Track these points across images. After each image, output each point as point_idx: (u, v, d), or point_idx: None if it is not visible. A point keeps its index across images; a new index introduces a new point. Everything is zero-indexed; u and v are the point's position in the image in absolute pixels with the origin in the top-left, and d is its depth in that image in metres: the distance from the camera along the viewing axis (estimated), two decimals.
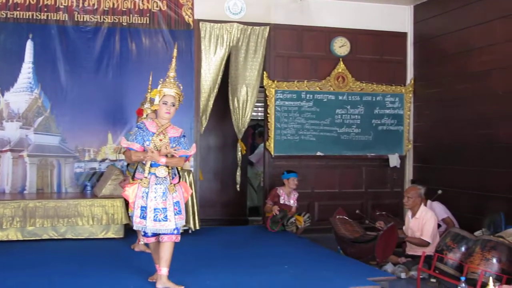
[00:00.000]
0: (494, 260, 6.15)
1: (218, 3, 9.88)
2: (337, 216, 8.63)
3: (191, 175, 8.76)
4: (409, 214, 8.05)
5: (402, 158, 10.77)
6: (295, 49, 10.35)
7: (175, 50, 6.08)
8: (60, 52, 9.30)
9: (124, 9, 9.50)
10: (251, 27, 9.96)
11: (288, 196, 9.49)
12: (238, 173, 10.33)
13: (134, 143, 5.73)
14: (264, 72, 10.11)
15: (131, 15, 9.53)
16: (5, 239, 8.08)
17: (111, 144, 9.43)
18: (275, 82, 10.17)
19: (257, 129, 12.77)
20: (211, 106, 9.89)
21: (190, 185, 8.47)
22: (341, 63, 10.45)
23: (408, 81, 10.81)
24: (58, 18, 9.29)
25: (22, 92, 9.19)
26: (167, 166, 5.75)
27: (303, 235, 9.20)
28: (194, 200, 8.83)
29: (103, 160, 9.43)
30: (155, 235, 5.78)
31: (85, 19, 9.40)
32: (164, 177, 5.74)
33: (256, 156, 12.32)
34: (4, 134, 9.13)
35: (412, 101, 10.79)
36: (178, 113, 6.14)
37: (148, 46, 9.63)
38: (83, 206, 8.36)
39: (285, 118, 10.23)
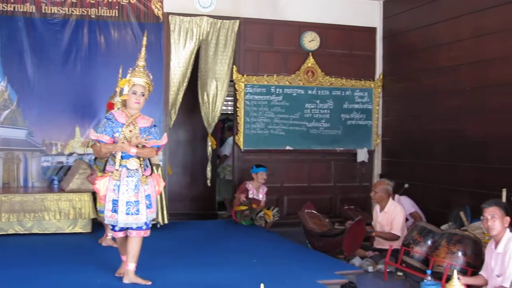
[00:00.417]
0: (460, 254, 6.24)
1: None
2: (306, 210, 8.65)
3: (159, 169, 8.71)
4: (377, 208, 8.10)
5: (371, 153, 10.84)
6: (265, 43, 10.34)
7: (145, 39, 5.98)
8: (27, 44, 9.16)
9: (92, 1, 9.39)
10: (221, 21, 9.92)
11: (257, 191, 9.49)
12: (209, 168, 10.30)
13: (103, 135, 5.63)
14: (234, 66, 10.08)
15: (99, 7, 9.43)
16: None
17: (79, 138, 9.33)
18: (245, 76, 10.16)
19: (226, 123, 12.73)
20: (181, 100, 9.84)
21: None
22: (311, 57, 10.46)
23: (377, 76, 10.88)
24: (25, 10, 9.15)
25: None
26: (139, 158, 5.66)
27: (272, 229, 9.20)
28: (163, 194, 8.76)
29: (70, 154, 9.32)
30: (123, 229, 5.70)
31: (52, 11, 9.27)
32: (136, 169, 5.65)
33: (229, 148, 12.22)
34: None
35: (381, 96, 10.86)
36: (147, 107, 6.09)
37: (117, 39, 9.54)
38: (50, 201, 8.26)
39: (255, 112, 10.22)
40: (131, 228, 5.64)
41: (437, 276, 5.99)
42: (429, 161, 9.47)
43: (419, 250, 6.78)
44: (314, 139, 10.54)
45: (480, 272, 5.76)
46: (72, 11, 9.32)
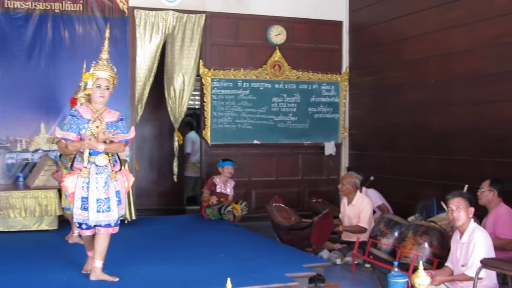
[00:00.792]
0: (426, 245, 6.29)
1: None
2: (274, 204, 8.67)
3: (126, 164, 8.64)
4: (345, 201, 8.13)
5: (338, 146, 10.89)
6: (232, 38, 10.32)
7: (107, 31, 5.86)
8: None
9: None
10: (187, 15, 9.87)
11: (224, 185, 9.47)
12: (175, 163, 10.25)
13: (69, 132, 5.50)
14: (201, 61, 10.04)
15: (63, 2, 9.30)
16: None
17: (44, 134, 9.20)
18: (212, 70, 10.12)
19: (186, 119, 12.64)
20: (147, 95, 9.78)
21: None
22: (278, 51, 10.47)
23: (343, 70, 10.92)
24: None
25: None
26: (107, 154, 5.56)
27: (240, 223, 9.21)
28: (130, 190, 8.69)
29: (35, 151, 9.20)
30: (91, 228, 5.60)
31: (15, 6, 9.12)
32: (105, 166, 5.54)
33: (189, 146, 12.19)
34: None
35: (348, 89, 10.92)
36: (113, 102, 6.00)
37: (82, 34, 9.42)
38: (15, 198, 8.14)
39: (222, 107, 10.20)
40: (99, 225, 5.55)
41: (404, 267, 6.04)
42: (396, 154, 9.56)
43: (386, 242, 6.84)
44: (281, 133, 10.56)
45: (446, 263, 5.82)
46: (36, 6, 9.18)
